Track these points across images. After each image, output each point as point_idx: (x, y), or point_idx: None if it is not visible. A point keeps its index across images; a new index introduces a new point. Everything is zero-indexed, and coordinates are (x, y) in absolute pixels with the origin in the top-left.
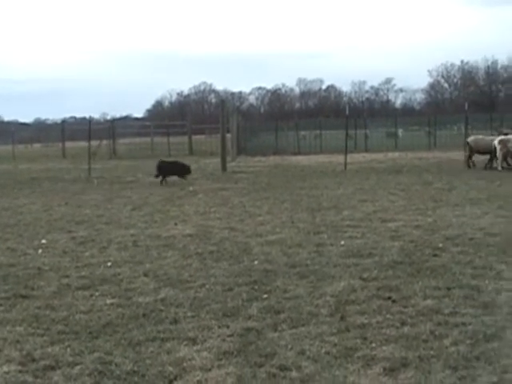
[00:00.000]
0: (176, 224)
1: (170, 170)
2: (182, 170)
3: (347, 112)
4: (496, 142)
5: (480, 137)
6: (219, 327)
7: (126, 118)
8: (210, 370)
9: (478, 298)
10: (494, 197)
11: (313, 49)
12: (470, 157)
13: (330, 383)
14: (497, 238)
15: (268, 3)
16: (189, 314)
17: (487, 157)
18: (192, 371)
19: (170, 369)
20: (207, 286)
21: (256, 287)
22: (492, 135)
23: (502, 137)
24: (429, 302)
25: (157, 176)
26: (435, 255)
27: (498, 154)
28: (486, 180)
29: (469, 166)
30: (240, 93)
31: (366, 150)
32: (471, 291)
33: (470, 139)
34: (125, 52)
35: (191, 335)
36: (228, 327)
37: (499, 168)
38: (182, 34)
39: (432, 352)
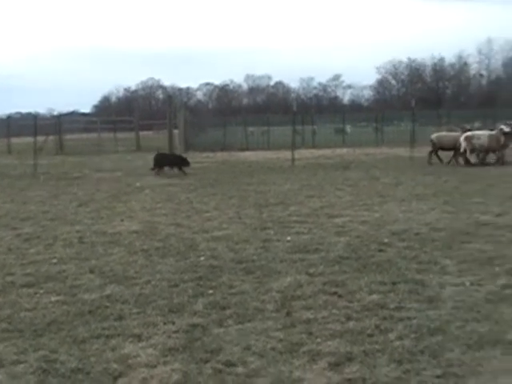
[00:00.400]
0: (122, 220)
1: (168, 161)
2: (180, 162)
3: (295, 108)
4: (461, 139)
5: (443, 133)
6: (165, 323)
7: (73, 114)
8: (155, 366)
9: (422, 293)
10: (440, 192)
11: (261, 45)
12: (432, 152)
13: (276, 378)
14: (442, 233)
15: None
16: (134, 310)
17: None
18: (137, 368)
19: (115, 366)
20: (153, 283)
21: (202, 283)
22: (452, 131)
23: (468, 133)
24: (374, 296)
25: (153, 169)
26: (381, 250)
27: (463, 150)
28: (432, 176)
29: (430, 163)
30: (188, 88)
31: (314, 146)
32: (416, 286)
33: (433, 136)
34: (71, 47)
35: (136, 332)
36: (173, 323)
37: (461, 163)
38: (130, 29)
39: (377, 346)
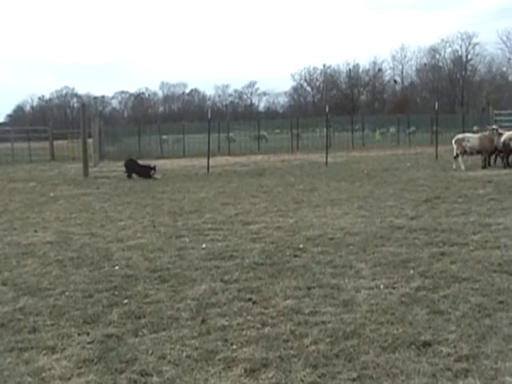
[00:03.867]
0: (36, 231)
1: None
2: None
3: (209, 115)
4: (453, 142)
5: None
6: (79, 335)
7: None
8: (69, 378)
9: (337, 297)
10: (354, 197)
11: (176, 53)
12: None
13: None
14: (356, 237)
15: (126, 8)
16: (48, 322)
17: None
18: (51, 381)
19: (29, 379)
20: (67, 294)
21: (116, 293)
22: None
23: (459, 136)
24: (289, 302)
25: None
26: (296, 256)
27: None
28: (346, 181)
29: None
30: (103, 97)
31: (230, 154)
32: (331, 290)
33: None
34: None
35: (50, 344)
36: (88, 334)
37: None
38: (44, 38)
39: (292, 351)
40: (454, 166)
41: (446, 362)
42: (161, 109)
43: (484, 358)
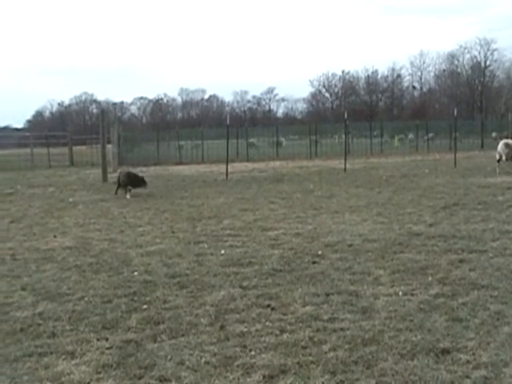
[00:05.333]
0: (55, 236)
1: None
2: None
3: (228, 121)
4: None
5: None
6: (98, 340)
7: (5, 129)
8: (88, 383)
9: (356, 304)
10: (373, 204)
11: (195, 58)
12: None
13: None
14: (375, 244)
15: (145, 14)
16: (67, 327)
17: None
18: None
19: None
20: (86, 299)
21: (135, 298)
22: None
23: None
24: (308, 308)
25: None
26: (314, 262)
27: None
28: (365, 188)
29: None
30: (122, 103)
31: (248, 160)
32: (350, 297)
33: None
34: (3, 62)
35: (69, 349)
36: (107, 340)
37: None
38: (63, 43)
39: (311, 358)
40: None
41: (465, 370)
42: (179, 115)
43: (503, 366)
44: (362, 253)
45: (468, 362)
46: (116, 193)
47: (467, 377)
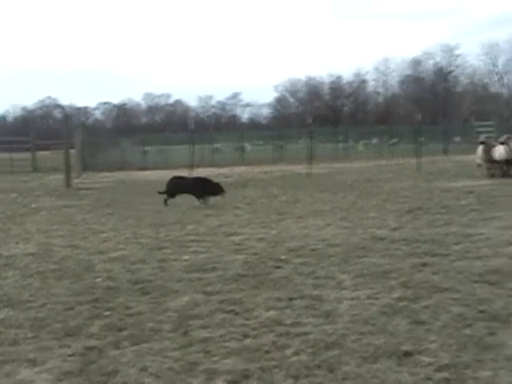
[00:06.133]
0: (17, 243)
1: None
2: (210, 189)
3: (192, 127)
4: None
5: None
6: (60, 347)
7: None
8: None
9: (319, 308)
10: (337, 208)
11: (159, 64)
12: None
13: None
14: (338, 248)
15: (108, 18)
16: (29, 334)
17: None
18: None
19: None
20: (48, 306)
21: (98, 305)
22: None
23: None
24: (271, 313)
25: (166, 198)
26: (278, 267)
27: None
28: (329, 192)
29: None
30: (86, 108)
31: (213, 165)
32: (313, 301)
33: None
34: None
35: (31, 356)
36: (69, 347)
37: None
38: (27, 48)
39: (274, 362)
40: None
41: (427, 372)
42: (144, 120)
43: (464, 368)
44: (326, 257)
45: (430, 364)
46: (166, 203)
47: (429, 379)
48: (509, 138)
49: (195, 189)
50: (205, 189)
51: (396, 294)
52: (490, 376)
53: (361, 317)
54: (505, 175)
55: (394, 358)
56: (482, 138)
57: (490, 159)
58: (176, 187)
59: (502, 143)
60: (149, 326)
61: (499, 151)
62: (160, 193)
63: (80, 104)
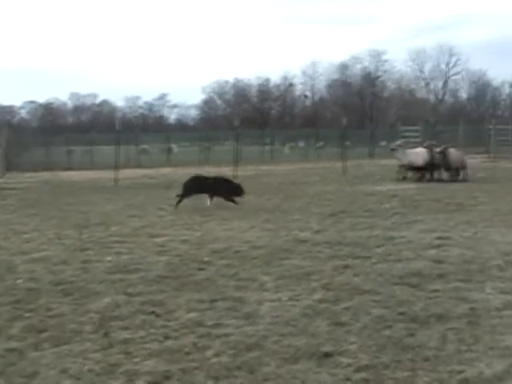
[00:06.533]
0: None
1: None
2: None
3: (118, 127)
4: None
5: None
6: None
7: None
8: None
9: (241, 309)
10: (261, 211)
11: (86, 63)
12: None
13: None
14: (261, 250)
15: (35, 15)
16: None
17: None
18: None
19: None
20: None
21: (19, 306)
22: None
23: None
24: (192, 314)
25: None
26: (200, 269)
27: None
28: (254, 195)
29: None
30: (11, 107)
31: (139, 166)
32: (234, 303)
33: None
34: None
35: None
36: None
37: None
38: None
39: (194, 364)
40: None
41: (346, 373)
42: (70, 119)
43: (383, 368)
44: (249, 259)
45: (349, 365)
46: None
47: (348, 379)
48: (431, 145)
49: (220, 189)
50: (229, 189)
51: (317, 296)
52: (409, 376)
53: (282, 318)
54: (430, 180)
55: (314, 359)
56: (393, 145)
57: (409, 164)
58: (196, 187)
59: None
60: (70, 327)
61: (417, 155)
62: (179, 196)
63: (5, 103)
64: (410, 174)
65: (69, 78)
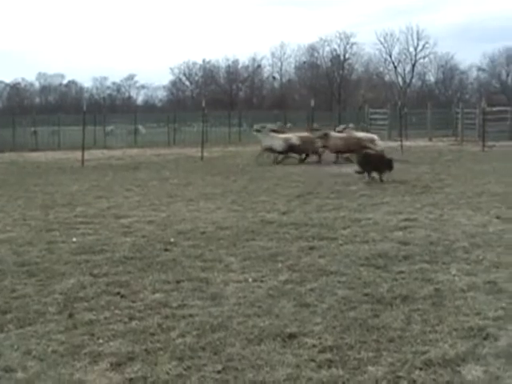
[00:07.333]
0: None
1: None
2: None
3: (85, 108)
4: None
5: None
6: None
7: None
8: None
9: (206, 290)
10: (228, 192)
11: (53, 43)
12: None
13: (56, 382)
14: (228, 231)
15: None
16: None
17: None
18: None
19: None
20: None
21: None
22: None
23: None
24: (157, 295)
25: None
26: (166, 249)
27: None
28: (221, 176)
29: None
30: None
31: (106, 147)
32: (200, 283)
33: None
34: None
35: None
36: None
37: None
38: None
39: (159, 345)
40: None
41: (311, 353)
42: (37, 100)
43: (347, 349)
44: (215, 240)
45: (314, 345)
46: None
47: (312, 360)
48: (346, 128)
49: (381, 164)
50: (385, 164)
51: (283, 277)
52: (373, 357)
53: (247, 299)
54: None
55: (278, 340)
56: (257, 126)
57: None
58: (368, 163)
59: (340, 132)
60: (34, 308)
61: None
62: (359, 172)
63: None
64: (280, 157)
65: (36, 58)
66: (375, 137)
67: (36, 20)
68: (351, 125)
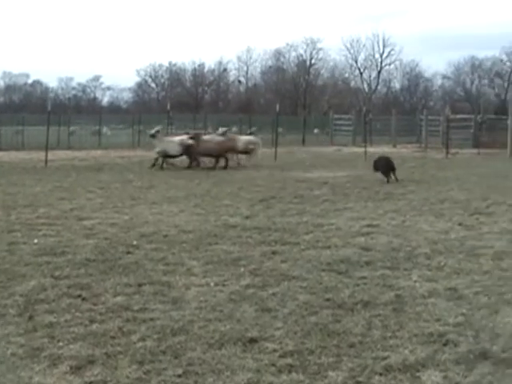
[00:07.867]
0: None
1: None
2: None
3: (49, 108)
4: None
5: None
6: None
7: None
8: None
9: (168, 294)
10: (191, 195)
11: (18, 42)
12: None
13: None
14: (190, 235)
15: None
16: None
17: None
18: None
19: None
20: None
21: None
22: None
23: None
24: (119, 298)
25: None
26: (129, 252)
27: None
28: (185, 179)
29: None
30: None
31: (70, 148)
32: (162, 287)
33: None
34: None
35: None
36: None
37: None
38: None
39: (119, 348)
40: None
41: (271, 358)
42: (1, 99)
43: (308, 354)
44: (177, 244)
45: (275, 350)
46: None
47: (273, 365)
48: (226, 132)
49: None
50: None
51: (245, 282)
52: (334, 362)
53: (208, 303)
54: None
55: (239, 345)
56: (153, 131)
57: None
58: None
59: (222, 135)
60: None
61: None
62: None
63: None
64: (170, 161)
65: (1, 57)
66: (256, 139)
67: (0, 18)
68: (234, 128)
